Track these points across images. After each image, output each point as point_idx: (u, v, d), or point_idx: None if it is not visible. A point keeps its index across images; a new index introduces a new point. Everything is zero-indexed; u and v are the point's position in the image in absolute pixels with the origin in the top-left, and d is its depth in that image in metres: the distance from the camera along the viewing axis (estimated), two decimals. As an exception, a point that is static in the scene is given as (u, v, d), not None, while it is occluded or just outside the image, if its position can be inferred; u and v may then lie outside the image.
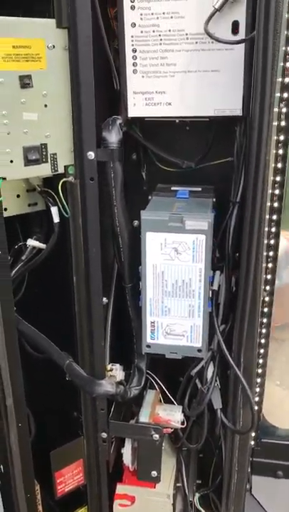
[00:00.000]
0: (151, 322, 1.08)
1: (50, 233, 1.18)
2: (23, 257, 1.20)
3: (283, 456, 1.46)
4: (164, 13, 0.96)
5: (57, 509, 1.47)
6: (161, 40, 0.98)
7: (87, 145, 0.98)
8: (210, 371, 1.13)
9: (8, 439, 1.18)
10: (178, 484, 1.27)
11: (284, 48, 1.03)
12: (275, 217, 1.16)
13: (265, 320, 1.28)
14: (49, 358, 1.21)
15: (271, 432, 1.49)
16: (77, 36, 0.94)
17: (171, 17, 0.96)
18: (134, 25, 0.98)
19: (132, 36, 0.99)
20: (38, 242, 1.19)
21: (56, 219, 1.13)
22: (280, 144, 1.10)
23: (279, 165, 1.11)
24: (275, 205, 1.15)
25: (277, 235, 1.19)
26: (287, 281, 1.32)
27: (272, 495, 1.45)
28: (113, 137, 0.99)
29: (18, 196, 1.16)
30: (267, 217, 1.14)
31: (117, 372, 1.19)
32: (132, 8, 0.97)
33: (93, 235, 1.04)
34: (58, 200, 1.12)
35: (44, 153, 1.04)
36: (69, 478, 1.43)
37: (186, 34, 0.97)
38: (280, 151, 1.10)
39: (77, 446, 1.37)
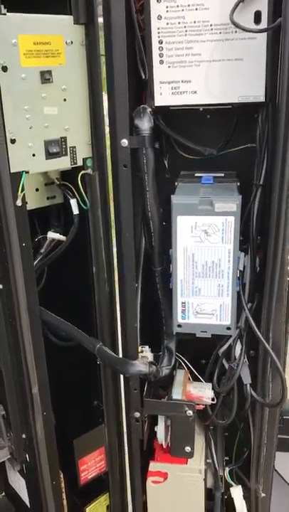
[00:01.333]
0: (182, 302, 1.13)
1: (68, 226, 1.21)
2: (42, 250, 1.23)
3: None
4: (189, 6, 1.01)
5: (79, 497, 1.52)
6: (186, 31, 1.03)
7: (121, 133, 1.03)
8: (238, 348, 1.18)
9: (34, 427, 1.22)
10: (208, 460, 1.32)
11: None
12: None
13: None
14: (72, 346, 1.25)
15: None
16: (112, 27, 0.99)
17: (196, 9, 1.01)
18: (160, 17, 1.02)
19: (158, 28, 1.03)
20: (58, 235, 1.23)
21: (76, 211, 1.17)
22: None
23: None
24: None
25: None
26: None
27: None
28: (145, 124, 1.03)
29: (37, 190, 1.20)
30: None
31: (147, 354, 1.24)
32: (158, 1, 1.01)
33: (127, 220, 1.08)
34: (76, 192, 1.16)
35: (64, 146, 1.08)
36: (92, 465, 1.47)
37: (211, 25, 1.01)
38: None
39: (98, 433, 1.41)
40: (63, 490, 1.43)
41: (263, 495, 1.26)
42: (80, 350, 1.24)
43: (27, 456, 1.29)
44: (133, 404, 1.24)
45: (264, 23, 0.99)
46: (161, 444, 1.28)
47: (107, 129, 1.10)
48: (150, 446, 1.37)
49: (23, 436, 1.26)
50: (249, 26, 0.98)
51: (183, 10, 1.01)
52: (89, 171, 1.13)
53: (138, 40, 1.04)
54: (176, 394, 1.20)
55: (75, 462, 1.43)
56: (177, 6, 1.01)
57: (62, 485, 1.43)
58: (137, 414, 1.24)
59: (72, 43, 1.04)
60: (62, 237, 1.22)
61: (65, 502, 1.45)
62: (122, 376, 1.27)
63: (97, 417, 1.42)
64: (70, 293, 1.35)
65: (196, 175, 1.19)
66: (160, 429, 1.23)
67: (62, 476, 1.40)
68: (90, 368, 1.39)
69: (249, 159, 1.14)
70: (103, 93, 1.10)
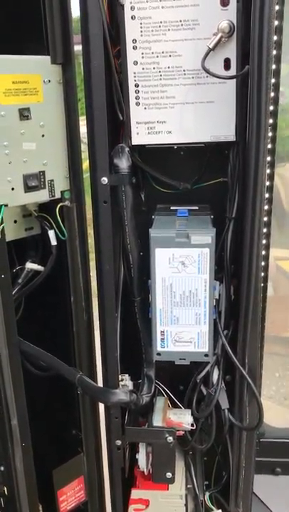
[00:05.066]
0: (161, 331, 1.17)
1: (45, 257, 1.24)
2: (20, 281, 1.25)
3: (280, 453, 1.56)
4: (163, 52, 1.07)
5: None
6: (161, 75, 1.09)
7: (101, 171, 1.07)
8: (215, 374, 1.23)
9: (13, 459, 1.22)
10: (188, 486, 1.34)
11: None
12: (265, 230, 1.28)
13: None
14: (51, 376, 1.26)
15: (267, 432, 1.59)
16: (91, 72, 1.05)
17: (170, 55, 1.07)
18: (136, 63, 1.09)
19: (135, 72, 1.09)
20: (36, 265, 1.25)
21: (54, 242, 1.20)
22: (267, 164, 1.22)
23: (267, 183, 1.23)
24: (265, 219, 1.27)
25: (267, 247, 1.31)
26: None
27: (272, 491, 1.54)
28: (124, 163, 1.09)
29: (15, 222, 1.22)
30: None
31: (127, 382, 1.26)
32: (135, 48, 1.08)
33: (106, 253, 1.12)
34: (53, 223, 1.19)
35: (42, 179, 1.12)
36: (71, 495, 1.46)
37: (184, 70, 1.08)
38: (268, 171, 1.23)
39: (77, 463, 1.41)
40: (42, 523, 1.43)
41: (242, 518, 1.29)
42: (57, 379, 1.25)
43: (5, 489, 1.28)
44: (114, 432, 1.26)
45: (233, 69, 1.06)
46: (143, 471, 1.30)
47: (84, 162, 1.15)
48: (131, 472, 1.39)
49: (1, 468, 1.25)
50: (219, 72, 1.05)
51: (157, 56, 1.08)
52: (67, 202, 1.17)
53: (115, 83, 1.10)
54: (157, 421, 1.22)
55: (54, 493, 1.42)
56: (152, 53, 1.08)
57: (42, 517, 1.42)
58: (119, 443, 1.26)
59: (49, 81, 1.09)
60: (40, 268, 1.24)
61: (44, 535, 1.44)
62: (101, 405, 1.29)
63: (76, 446, 1.43)
64: (48, 323, 1.36)
65: (172, 208, 1.25)
66: (141, 457, 1.25)
67: (41, 508, 1.39)
68: (67, 397, 1.40)
69: (222, 193, 1.21)
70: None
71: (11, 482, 1.24)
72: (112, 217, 1.11)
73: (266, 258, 1.30)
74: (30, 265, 1.25)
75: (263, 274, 1.32)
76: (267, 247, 1.29)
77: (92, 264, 1.21)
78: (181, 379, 1.35)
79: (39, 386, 1.30)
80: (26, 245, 1.27)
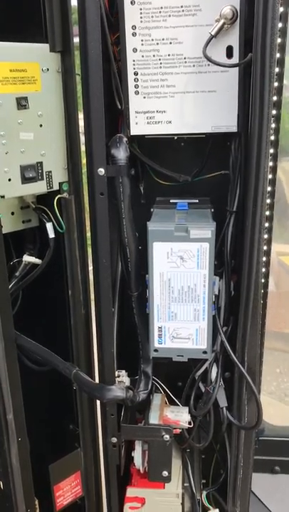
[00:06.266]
0: (159, 327, 1.14)
1: (43, 249, 1.21)
2: (17, 274, 1.23)
3: (279, 451, 1.54)
4: (163, 39, 1.04)
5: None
6: (161, 63, 1.06)
7: (98, 162, 1.04)
8: (214, 372, 1.20)
9: (8, 454, 1.20)
10: (185, 484, 1.32)
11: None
12: (267, 224, 1.25)
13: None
14: (48, 370, 1.24)
15: (266, 429, 1.57)
16: (88, 58, 1.01)
17: (170, 42, 1.04)
18: (135, 50, 1.05)
19: (134, 60, 1.06)
20: (34, 258, 1.23)
21: (51, 234, 1.17)
22: (270, 157, 1.19)
23: (270, 176, 1.20)
24: (267, 213, 1.24)
25: (268, 242, 1.27)
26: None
27: (270, 490, 1.52)
28: (121, 154, 1.06)
29: (12, 214, 1.20)
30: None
31: (124, 378, 1.24)
32: (134, 34, 1.04)
33: (103, 246, 1.09)
34: (51, 216, 1.17)
35: (40, 171, 1.09)
36: (67, 491, 1.45)
37: (185, 58, 1.05)
38: (271, 163, 1.19)
39: (74, 458, 1.39)
40: (38, 518, 1.41)
41: (240, 518, 1.27)
42: (55, 373, 1.23)
43: (1, 483, 1.26)
44: (110, 429, 1.24)
45: (236, 57, 1.02)
46: (138, 469, 1.28)
47: (83, 154, 1.12)
48: (127, 470, 1.37)
49: (-3, 463, 1.24)
50: (221, 60, 1.02)
51: (158, 43, 1.04)
52: (65, 194, 1.14)
53: (114, 71, 1.06)
54: (153, 418, 1.20)
55: (50, 488, 1.41)
56: (152, 40, 1.04)
57: (38, 512, 1.40)
58: (114, 440, 1.24)
59: (48, 70, 1.06)
60: (37, 261, 1.22)
61: (40, 530, 1.43)
62: (98, 401, 1.27)
63: (73, 441, 1.40)
64: (46, 316, 1.34)
65: (172, 201, 1.22)
66: (137, 454, 1.23)
67: (37, 502, 1.38)
68: (64, 391, 1.38)
69: (223, 186, 1.17)
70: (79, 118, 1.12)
71: (7, 477, 1.22)
72: (109, 209, 1.08)
73: (267, 253, 1.27)
74: (27, 258, 1.23)
75: (263, 269, 1.29)
76: (268, 242, 1.26)
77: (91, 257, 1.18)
78: (179, 375, 1.33)
79: (36, 380, 1.28)
80: (24, 238, 1.25)
